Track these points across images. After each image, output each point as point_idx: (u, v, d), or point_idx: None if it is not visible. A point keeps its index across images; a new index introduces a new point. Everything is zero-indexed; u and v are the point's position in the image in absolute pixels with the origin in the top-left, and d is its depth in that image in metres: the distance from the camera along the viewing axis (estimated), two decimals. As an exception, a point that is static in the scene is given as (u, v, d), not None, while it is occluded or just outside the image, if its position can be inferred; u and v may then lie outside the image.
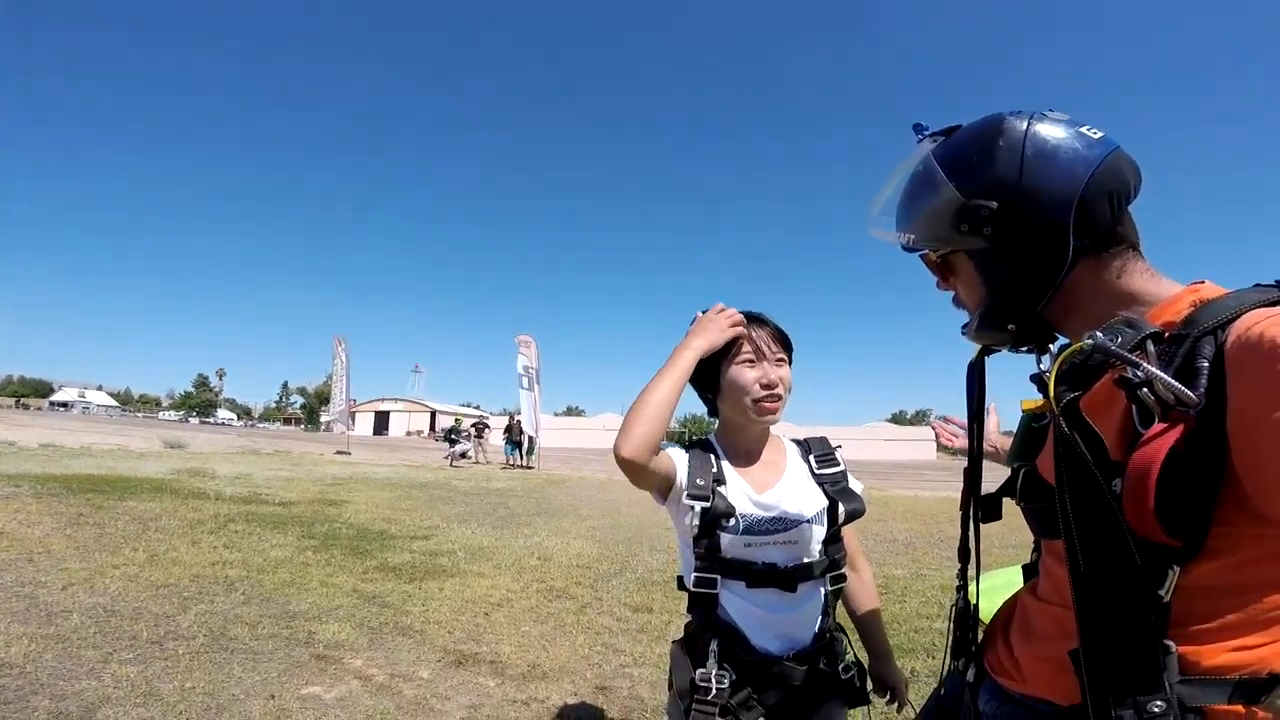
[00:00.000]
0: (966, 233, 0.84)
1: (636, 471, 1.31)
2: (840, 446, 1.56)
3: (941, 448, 1.69)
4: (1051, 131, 0.81)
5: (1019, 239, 0.82)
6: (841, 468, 1.49)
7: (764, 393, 1.40)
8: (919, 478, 21.94)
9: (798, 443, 1.55)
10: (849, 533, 1.51)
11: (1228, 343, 0.65)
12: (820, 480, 1.46)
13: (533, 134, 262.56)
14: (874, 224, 0.99)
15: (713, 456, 1.45)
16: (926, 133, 0.94)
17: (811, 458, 1.50)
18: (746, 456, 1.48)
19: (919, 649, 3.96)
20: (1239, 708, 0.67)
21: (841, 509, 1.41)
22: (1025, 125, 0.82)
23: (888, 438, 52.80)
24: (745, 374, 1.41)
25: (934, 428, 1.76)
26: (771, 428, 1.51)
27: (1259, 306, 0.67)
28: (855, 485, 1.49)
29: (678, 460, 1.41)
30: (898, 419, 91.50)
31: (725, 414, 1.48)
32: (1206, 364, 0.65)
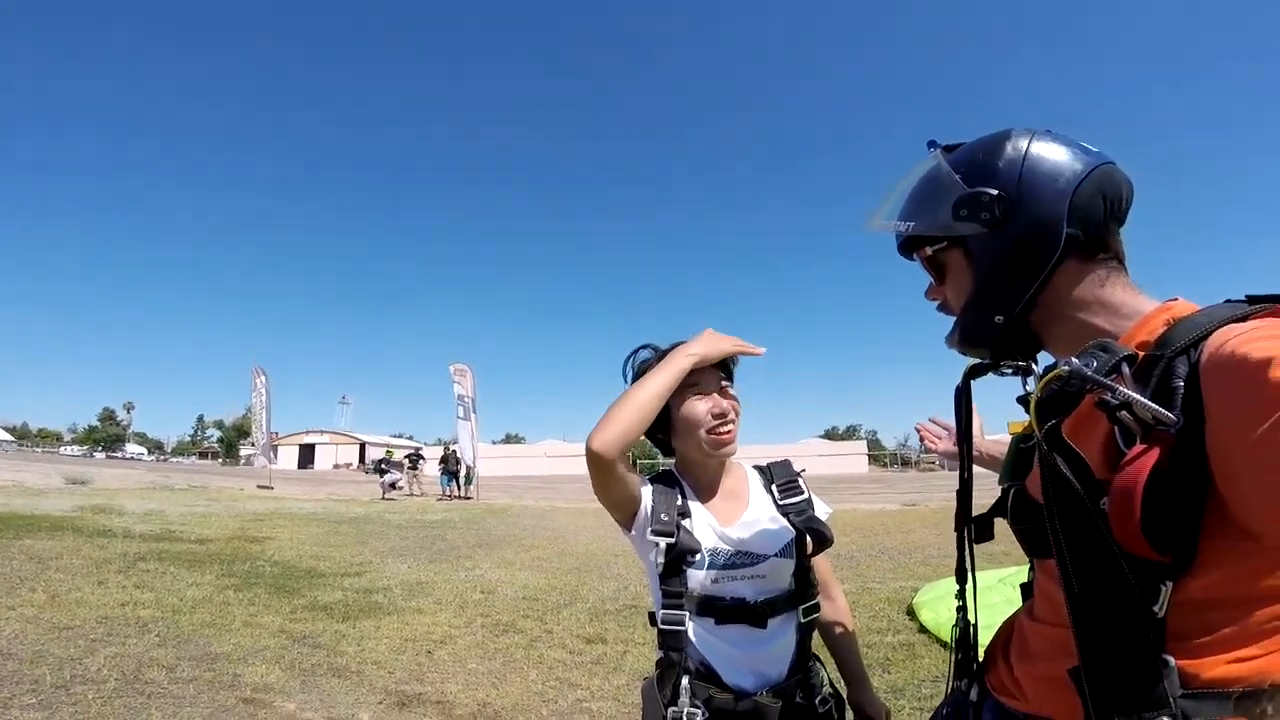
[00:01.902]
0: (966, 218, 0.87)
1: (604, 470, 1.26)
2: (804, 471, 1.52)
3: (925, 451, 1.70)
4: (1054, 140, 0.87)
5: (1014, 224, 0.84)
6: (805, 495, 1.46)
7: (716, 422, 1.38)
8: (854, 491, 22.36)
9: (760, 469, 1.52)
10: (821, 560, 1.47)
11: (1201, 361, 0.66)
12: (785, 510, 1.43)
13: (464, 153, 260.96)
14: (875, 220, 1.02)
15: (677, 490, 1.42)
16: (939, 146, 0.98)
17: (774, 487, 1.47)
18: (709, 490, 1.45)
19: (873, 664, 3.94)
20: (1242, 719, 0.67)
21: (809, 539, 1.38)
22: (1030, 135, 0.87)
23: (821, 453, 53.81)
24: (696, 407, 1.39)
25: (919, 430, 1.75)
26: (757, 457, 1.51)
27: (1229, 323, 0.69)
28: (822, 512, 1.45)
29: (642, 489, 1.38)
30: (830, 434, 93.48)
31: (682, 451, 1.45)
32: (1181, 383, 0.66)
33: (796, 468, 1.53)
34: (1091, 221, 0.82)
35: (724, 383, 1.43)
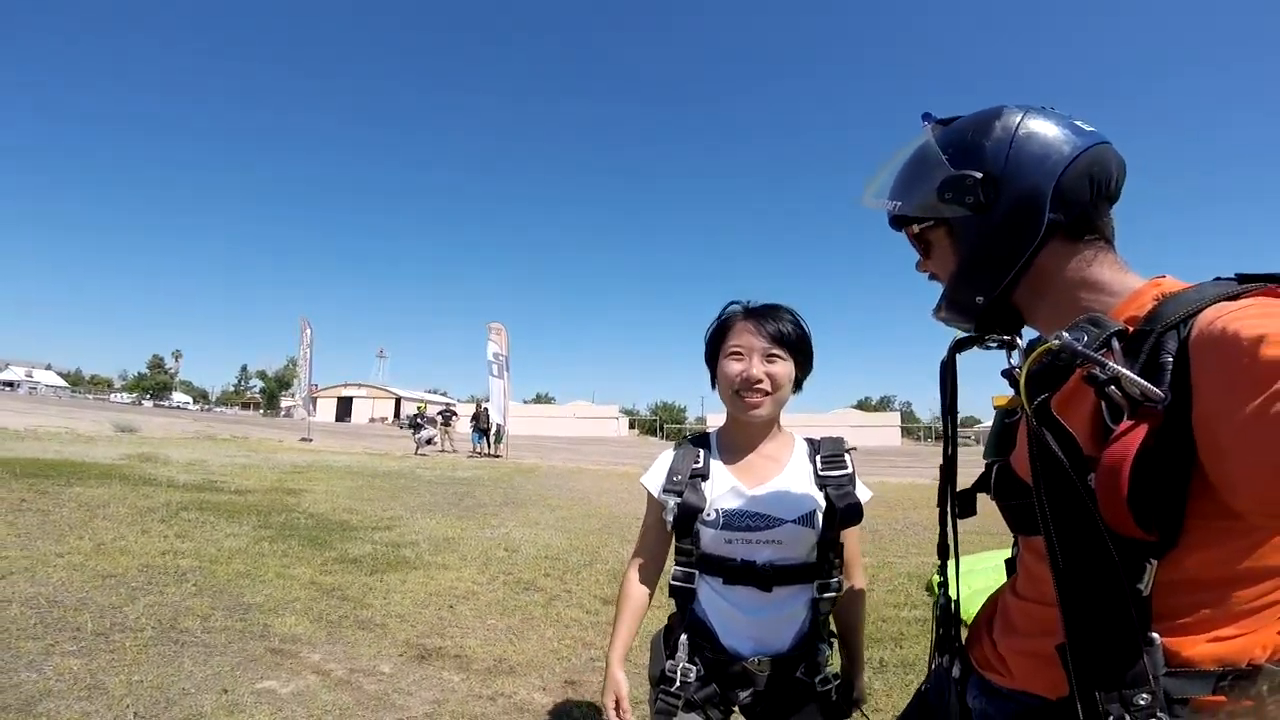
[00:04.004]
0: (950, 200, 0.87)
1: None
2: (854, 449, 1.52)
3: None
4: (1046, 118, 0.85)
5: (998, 208, 0.84)
6: (848, 471, 1.45)
7: (740, 387, 1.40)
8: (884, 463, 22.25)
9: (809, 441, 1.52)
10: (851, 539, 1.48)
11: (1191, 338, 0.66)
12: (823, 482, 1.42)
13: (504, 115, 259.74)
14: (868, 197, 1.02)
15: (702, 451, 1.46)
16: (933, 119, 0.97)
17: (818, 458, 1.46)
18: (746, 452, 1.47)
19: (886, 638, 3.98)
20: (1222, 698, 0.69)
21: (839, 513, 1.38)
22: (1022, 114, 0.86)
23: (854, 424, 53.44)
24: (730, 367, 1.41)
25: None
26: (784, 424, 1.52)
27: (1219, 300, 0.68)
28: (861, 492, 1.44)
29: (656, 474, 1.47)
30: (863, 405, 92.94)
31: (725, 405, 1.49)
32: (1170, 359, 0.66)
33: (848, 445, 1.52)
34: (1077, 204, 0.82)
35: (771, 350, 1.41)
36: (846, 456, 1.47)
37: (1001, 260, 0.85)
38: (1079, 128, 0.84)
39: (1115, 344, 0.69)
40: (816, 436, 1.53)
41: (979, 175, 0.84)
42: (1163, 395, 0.64)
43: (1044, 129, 0.83)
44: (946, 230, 0.91)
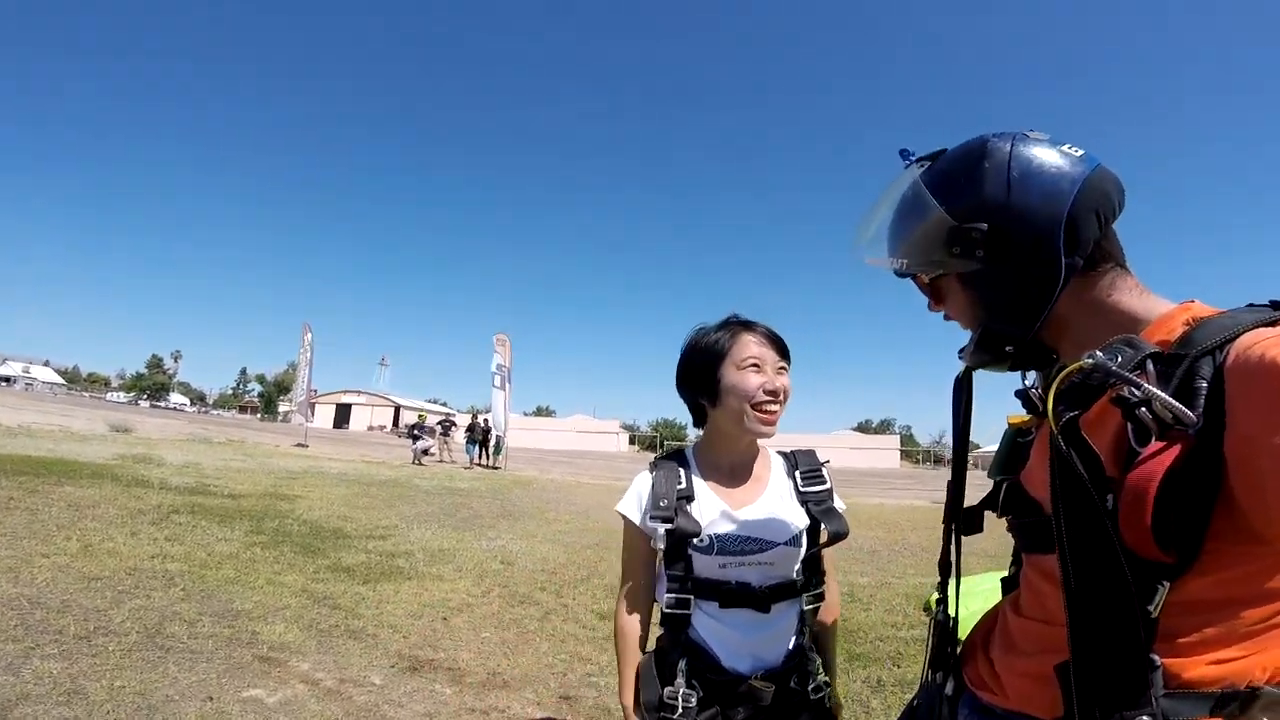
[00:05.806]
0: (959, 255, 0.85)
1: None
2: (828, 462, 1.52)
3: None
4: (1035, 151, 0.83)
5: (1011, 260, 0.83)
6: (827, 486, 1.46)
7: (766, 399, 1.36)
8: (884, 485, 22.25)
9: (785, 455, 1.52)
10: (826, 550, 1.47)
11: (1227, 363, 0.65)
12: (804, 499, 1.43)
13: (510, 126, 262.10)
14: (864, 250, 1.00)
15: (682, 471, 1.42)
16: (913, 158, 0.95)
17: (798, 473, 1.47)
18: (730, 471, 1.45)
19: (883, 657, 3.96)
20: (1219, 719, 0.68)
21: (824, 531, 1.39)
22: (1009, 146, 0.84)
23: (853, 446, 53.44)
24: (750, 379, 1.37)
25: None
26: (785, 446, 1.50)
27: (1257, 327, 0.68)
28: (839, 505, 1.45)
29: (635, 501, 1.42)
30: (863, 428, 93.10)
31: (717, 422, 1.44)
32: (1205, 384, 0.65)
33: (821, 458, 1.51)
34: (1089, 242, 0.81)
35: (780, 365, 1.41)
36: (824, 470, 1.48)
37: (1024, 310, 0.85)
38: (1070, 156, 0.82)
39: (1150, 366, 0.68)
40: (787, 449, 1.52)
41: (984, 228, 0.82)
42: (1195, 419, 0.63)
43: (1038, 167, 0.82)
44: (958, 279, 0.90)
